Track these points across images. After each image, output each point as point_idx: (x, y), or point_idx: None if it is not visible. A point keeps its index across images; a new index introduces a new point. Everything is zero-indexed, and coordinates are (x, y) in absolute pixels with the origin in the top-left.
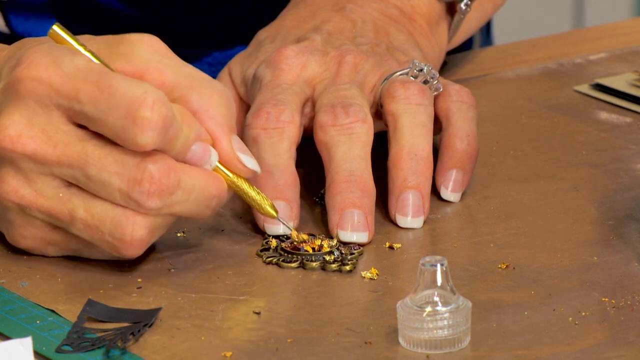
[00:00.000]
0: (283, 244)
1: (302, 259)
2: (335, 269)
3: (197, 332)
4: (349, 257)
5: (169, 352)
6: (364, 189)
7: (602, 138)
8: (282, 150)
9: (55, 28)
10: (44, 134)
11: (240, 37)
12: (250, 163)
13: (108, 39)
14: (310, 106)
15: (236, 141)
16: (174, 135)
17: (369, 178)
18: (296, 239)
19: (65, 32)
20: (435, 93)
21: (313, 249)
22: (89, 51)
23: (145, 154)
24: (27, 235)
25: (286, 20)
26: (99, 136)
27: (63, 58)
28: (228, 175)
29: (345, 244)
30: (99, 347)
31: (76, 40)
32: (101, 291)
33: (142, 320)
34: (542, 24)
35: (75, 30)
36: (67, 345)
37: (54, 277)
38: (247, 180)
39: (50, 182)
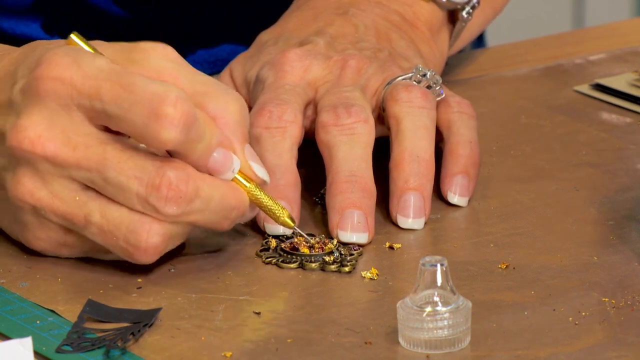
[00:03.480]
0: (283, 244)
1: (302, 260)
2: (334, 269)
3: (197, 333)
4: (348, 258)
5: (169, 352)
6: (364, 189)
7: (602, 138)
8: (284, 149)
9: (73, 37)
10: (64, 135)
11: (226, 36)
12: (261, 172)
13: (121, 45)
14: (313, 109)
15: (248, 150)
16: (195, 137)
17: (370, 179)
18: (309, 243)
19: (82, 40)
20: (438, 98)
21: (311, 248)
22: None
23: (165, 160)
24: (42, 237)
25: (289, 22)
26: (120, 140)
27: (84, 59)
28: (245, 185)
29: (345, 244)
30: (99, 347)
31: (92, 48)
32: (101, 291)
33: (142, 321)
34: (542, 24)
35: (65, 30)
36: (67, 345)
37: (54, 277)
38: (263, 189)
39: (67, 185)
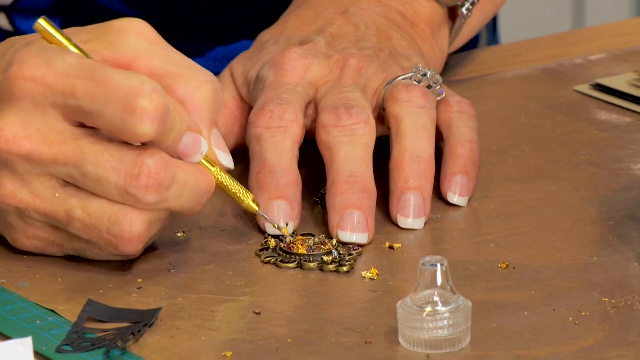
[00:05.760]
0: (282, 244)
1: (300, 260)
2: (333, 269)
3: (197, 333)
4: (347, 258)
5: (169, 352)
6: (364, 190)
7: (602, 138)
8: (284, 149)
9: (41, 21)
10: (39, 133)
11: (244, 32)
12: (225, 160)
13: (96, 28)
14: (313, 108)
15: (215, 136)
16: (169, 126)
17: (370, 179)
18: (285, 235)
19: (51, 26)
20: (438, 98)
21: (310, 247)
22: (75, 45)
23: (141, 149)
24: (30, 236)
25: (289, 22)
26: (94, 134)
27: (55, 57)
28: (210, 169)
29: (344, 244)
30: (99, 347)
31: (62, 34)
32: (101, 291)
33: (143, 321)
34: (542, 24)
35: None
36: (67, 345)
37: (54, 277)
38: (228, 173)
39: (46, 183)
